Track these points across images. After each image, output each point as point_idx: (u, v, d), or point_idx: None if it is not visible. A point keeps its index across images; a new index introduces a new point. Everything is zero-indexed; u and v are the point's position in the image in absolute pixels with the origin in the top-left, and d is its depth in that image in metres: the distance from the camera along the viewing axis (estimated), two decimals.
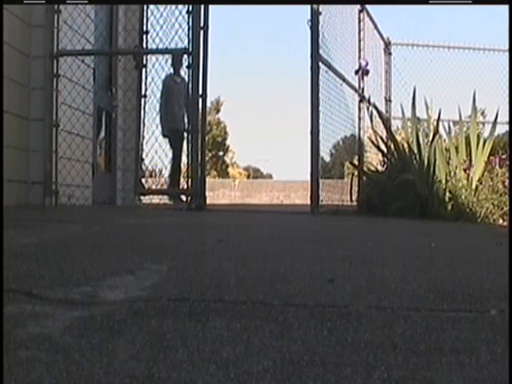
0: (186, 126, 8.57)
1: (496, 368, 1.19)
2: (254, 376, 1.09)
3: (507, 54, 11.06)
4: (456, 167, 6.81)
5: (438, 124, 7.23)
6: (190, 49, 6.57)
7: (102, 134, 8.97)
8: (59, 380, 1.05)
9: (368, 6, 8.64)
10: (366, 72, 8.20)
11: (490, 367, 1.19)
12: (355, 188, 7.71)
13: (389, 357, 1.23)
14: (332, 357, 1.22)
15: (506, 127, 9.50)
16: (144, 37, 6.91)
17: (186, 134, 8.62)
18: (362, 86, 8.27)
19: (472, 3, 6.68)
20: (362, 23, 8.57)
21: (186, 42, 6.64)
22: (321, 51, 6.73)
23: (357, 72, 8.07)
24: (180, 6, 6.76)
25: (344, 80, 7.66)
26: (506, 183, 6.31)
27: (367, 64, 8.23)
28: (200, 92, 6.57)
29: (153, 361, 1.16)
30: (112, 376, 1.07)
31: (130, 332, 1.36)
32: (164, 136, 9.07)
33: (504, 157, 6.74)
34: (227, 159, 57.36)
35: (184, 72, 8.12)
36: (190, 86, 6.55)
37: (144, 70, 6.89)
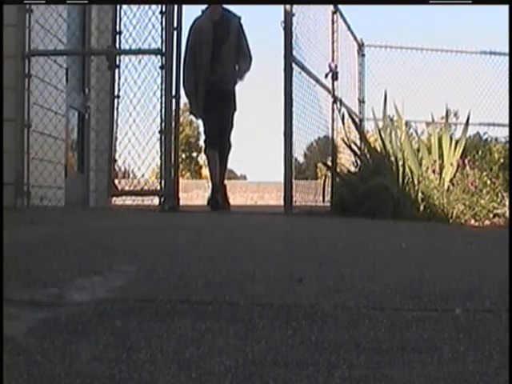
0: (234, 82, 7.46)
1: (457, 366, 1.21)
2: (216, 376, 1.10)
3: (479, 55, 11.20)
4: (428, 168, 6.87)
5: (411, 125, 7.29)
6: (164, 49, 6.54)
7: (75, 134, 8.91)
8: (19, 381, 1.05)
9: (341, 7, 8.67)
10: (336, 74, 8.23)
11: (451, 365, 1.21)
12: (328, 189, 7.73)
13: (351, 356, 1.24)
14: (295, 356, 1.23)
15: (478, 128, 9.62)
16: (117, 37, 6.87)
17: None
18: (334, 87, 8.30)
19: (472, 3, 6.73)
20: (335, 24, 8.59)
21: (159, 42, 6.62)
22: (294, 52, 6.74)
23: (327, 75, 8.09)
24: (153, 7, 6.72)
25: (317, 81, 7.69)
26: (476, 184, 6.38)
27: (336, 66, 8.26)
28: (173, 93, 6.55)
29: (115, 361, 1.16)
30: (73, 377, 1.07)
31: (94, 333, 1.36)
32: (195, 115, 7.68)
33: (475, 158, 6.82)
34: (200, 160, 57.09)
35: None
36: (163, 86, 6.53)
37: (117, 70, 6.84)
